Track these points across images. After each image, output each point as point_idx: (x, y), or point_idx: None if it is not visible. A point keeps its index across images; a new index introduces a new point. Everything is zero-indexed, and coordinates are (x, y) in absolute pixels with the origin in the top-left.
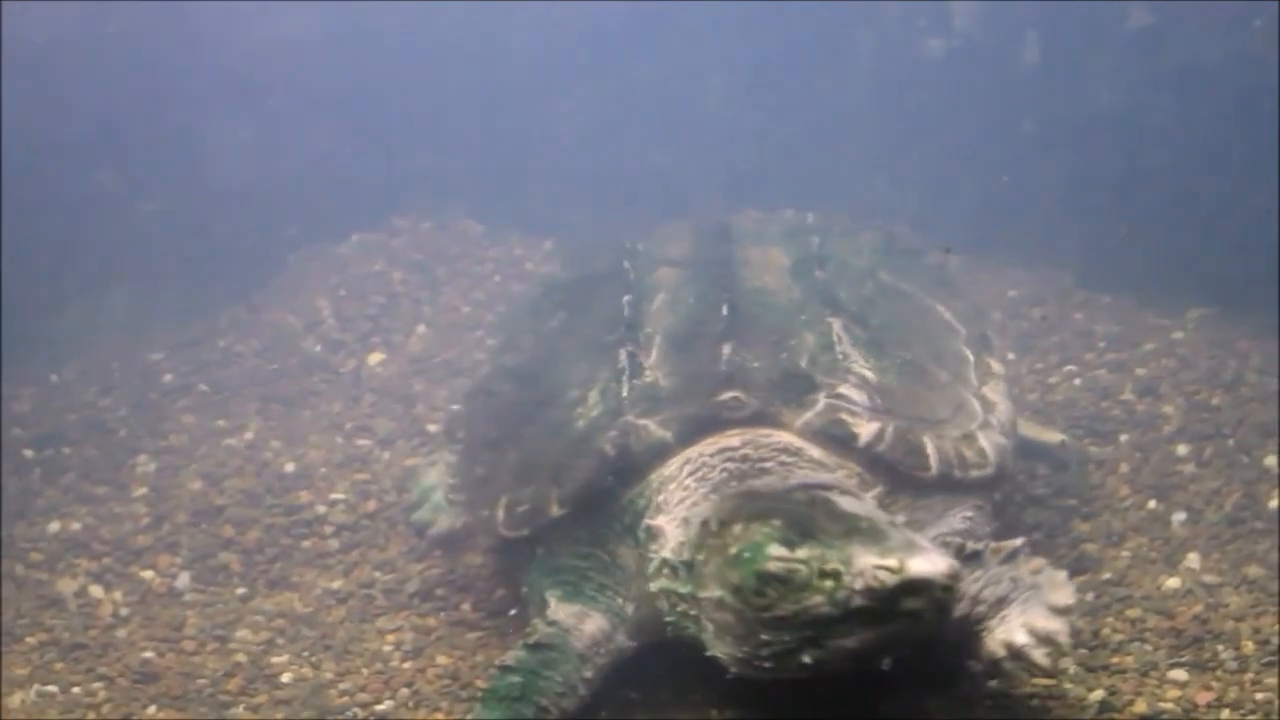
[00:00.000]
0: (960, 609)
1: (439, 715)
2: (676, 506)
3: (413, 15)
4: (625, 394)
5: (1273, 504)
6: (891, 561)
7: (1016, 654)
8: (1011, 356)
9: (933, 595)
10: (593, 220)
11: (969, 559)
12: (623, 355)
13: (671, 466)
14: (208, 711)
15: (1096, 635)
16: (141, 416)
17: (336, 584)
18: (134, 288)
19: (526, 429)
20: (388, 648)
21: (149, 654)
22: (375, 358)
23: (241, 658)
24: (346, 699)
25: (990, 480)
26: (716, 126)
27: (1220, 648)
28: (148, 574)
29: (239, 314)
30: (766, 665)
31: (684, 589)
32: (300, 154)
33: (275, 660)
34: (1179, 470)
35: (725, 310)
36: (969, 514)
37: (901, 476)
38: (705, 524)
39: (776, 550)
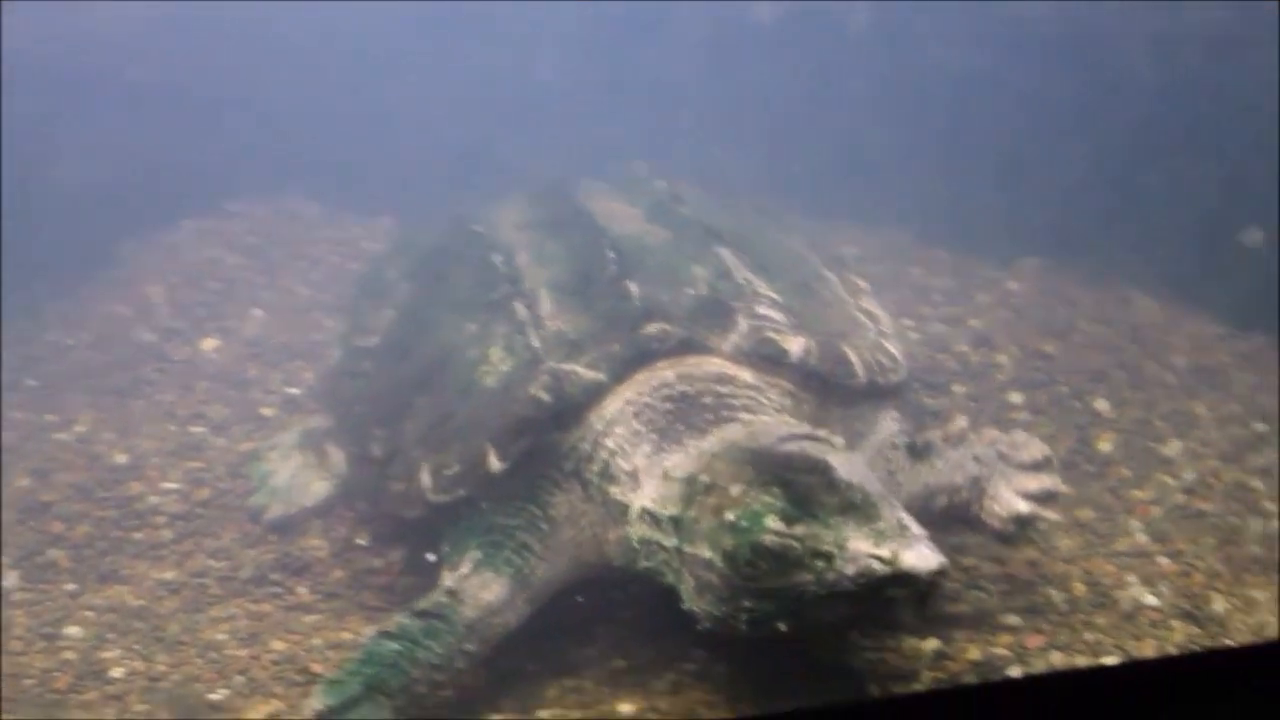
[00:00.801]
0: (941, 502)
1: (274, 701)
2: (636, 451)
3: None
4: (537, 344)
5: (1104, 447)
6: (885, 552)
7: (1026, 522)
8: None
9: (917, 587)
10: (429, 198)
11: (924, 450)
12: (520, 308)
13: (610, 408)
14: (35, 712)
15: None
16: None
17: (169, 574)
18: None
19: (421, 399)
20: (221, 636)
21: None
22: (210, 344)
23: (70, 655)
24: (181, 691)
25: (903, 384)
26: (548, 101)
27: (1052, 591)
28: None
29: (67, 308)
30: (743, 627)
31: (669, 542)
32: (127, 145)
33: (105, 655)
34: (1013, 418)
35: (612, 254)
36: (895, 415)
37: (830, 388)
38: (691, 480)
39: (774, 524)
